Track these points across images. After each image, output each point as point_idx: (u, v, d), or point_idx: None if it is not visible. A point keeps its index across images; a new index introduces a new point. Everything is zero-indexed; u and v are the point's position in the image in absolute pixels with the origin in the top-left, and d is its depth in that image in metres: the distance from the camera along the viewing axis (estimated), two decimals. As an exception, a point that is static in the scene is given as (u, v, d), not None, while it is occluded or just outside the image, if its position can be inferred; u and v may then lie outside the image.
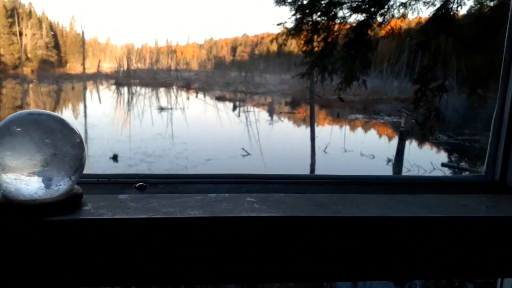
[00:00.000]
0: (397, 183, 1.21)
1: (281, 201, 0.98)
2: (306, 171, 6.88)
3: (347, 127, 13.60)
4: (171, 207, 0.89)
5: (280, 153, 8.97)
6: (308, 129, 11.35)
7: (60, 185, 0.86)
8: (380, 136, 12.03)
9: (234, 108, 18.76)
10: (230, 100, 23.41)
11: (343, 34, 5.44)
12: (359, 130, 13.73)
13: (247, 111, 17.21)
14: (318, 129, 12.03)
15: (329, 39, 5.38)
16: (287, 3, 5.38)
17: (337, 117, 15.98)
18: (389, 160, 7.69)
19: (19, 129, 0.83)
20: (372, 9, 5.21)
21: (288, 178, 1.20)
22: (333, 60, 5.44)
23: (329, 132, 11.85)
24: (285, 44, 5.86)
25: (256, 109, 18.30)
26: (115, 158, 7.42)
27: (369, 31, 5.26)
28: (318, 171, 6.98)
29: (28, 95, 25.14)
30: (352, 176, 1.23)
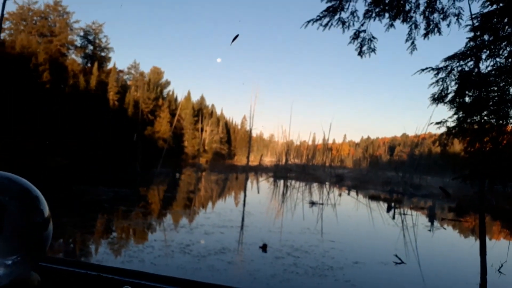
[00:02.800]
0: None
1: None
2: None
3: (531, 245, 11.20)
4: None
5: (441, 266, 7.81)
6: (477, 242, 9.73)
7: None
8: None
9: (389, 209, 17.65)
10: (384, 200, 22.14)
11: (517, 135, 4.73)
12: (550, 250, 11.13)
13: (404, 214, 15.96)
14: (490, 243, 10.22)
15: (500, 139, 4.73)
16: (445, 102, 5.07)
17: (516, 231, 13.34)
18: None
19: None
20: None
21: None
22: (505, 163, 4.70)
23: (505, 248, 9.89)
24: (446, 144, 5.39)
25: (414, 213, 16.83)
26: (264, 248, 7.61)
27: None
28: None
29: (200, 182, 28.82)
30: None
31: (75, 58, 38.11)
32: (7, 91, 24.23)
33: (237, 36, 6.34)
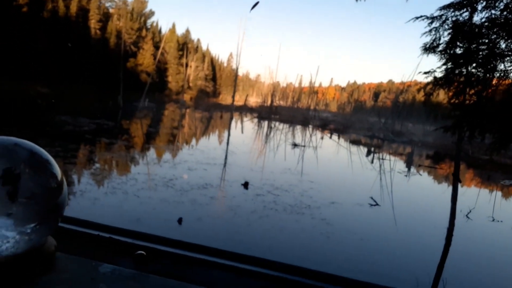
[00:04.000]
0: None
1: None
2: (442, 234, 6.15)
3: (499, 194, 11.83)
4: None
5: (414, 210, 8.24)
6: (450, 188, 10.22)
7: (9, 239, 0.61)
8: (542, 210, 10.09)
9: (368, 153, 18.15)
10: (365, 145, 22.67)
11: (502, 89, 4.78)
12: (515, 199, 11.81)
13: (382, 159, 16.45)
14: (462, 190, 10.75)
15: (484, 93, 4.78)
16: (436, 52, 5.02)
17: (487, 180, 14.02)
18: (550, 241, 6.38)
19: None
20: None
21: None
22: (486, 116, 4.79)
23: (475, 196, 10.44)
24: (431, 94, 5.43)
25: (392, 158, 17.35)
26: (245, 185, 7.82)
27: (535, 89, 4.48)
28: (457, 238, 6.16)
29: (184, 118, 28.73)
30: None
31: (52, -21, 35.55)
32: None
33: (257, 3, 5.69)
